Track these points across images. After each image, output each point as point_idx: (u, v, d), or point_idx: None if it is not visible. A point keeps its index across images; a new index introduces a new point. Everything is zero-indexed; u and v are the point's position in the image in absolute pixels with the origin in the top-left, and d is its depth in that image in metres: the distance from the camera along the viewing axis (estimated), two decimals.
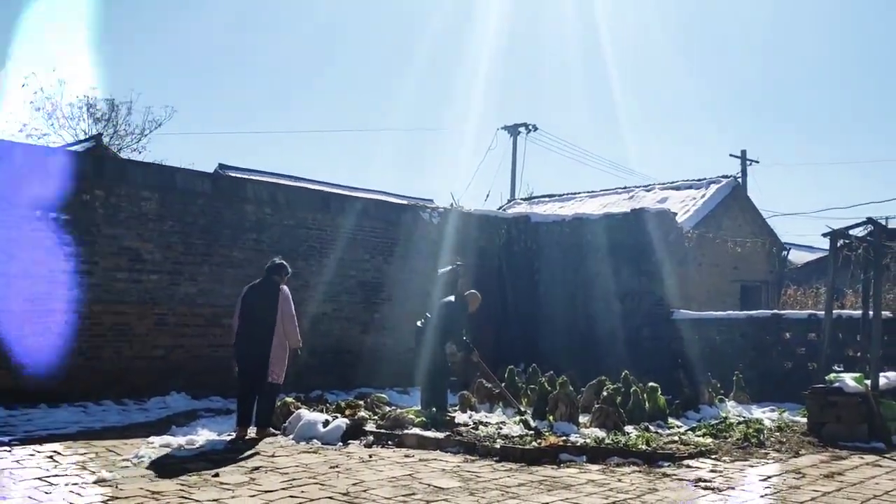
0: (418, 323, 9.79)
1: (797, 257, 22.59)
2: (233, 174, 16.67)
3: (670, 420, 9.26)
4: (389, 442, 7.69)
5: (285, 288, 8.12)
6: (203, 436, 7.74)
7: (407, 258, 13.54)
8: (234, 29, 59.68)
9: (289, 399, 8.83)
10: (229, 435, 7.96)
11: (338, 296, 12.56)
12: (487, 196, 30.00)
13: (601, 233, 14.77)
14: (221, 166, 19.30)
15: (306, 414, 8.23)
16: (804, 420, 9.28)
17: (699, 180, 18.96)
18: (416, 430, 7.86)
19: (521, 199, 24.74)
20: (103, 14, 55.24)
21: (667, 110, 69.77)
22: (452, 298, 9.81)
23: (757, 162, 26.19)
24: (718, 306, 15.45)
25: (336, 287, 12.52)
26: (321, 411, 8.78)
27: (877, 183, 60.27)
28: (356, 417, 8.38)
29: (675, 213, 15.26)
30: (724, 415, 9.71)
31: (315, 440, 7.69)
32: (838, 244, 9.28)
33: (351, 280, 12.70)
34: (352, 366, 12.42)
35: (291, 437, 7.90)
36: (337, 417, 8.26)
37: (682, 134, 64.46)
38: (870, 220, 8.80)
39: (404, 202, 13.88)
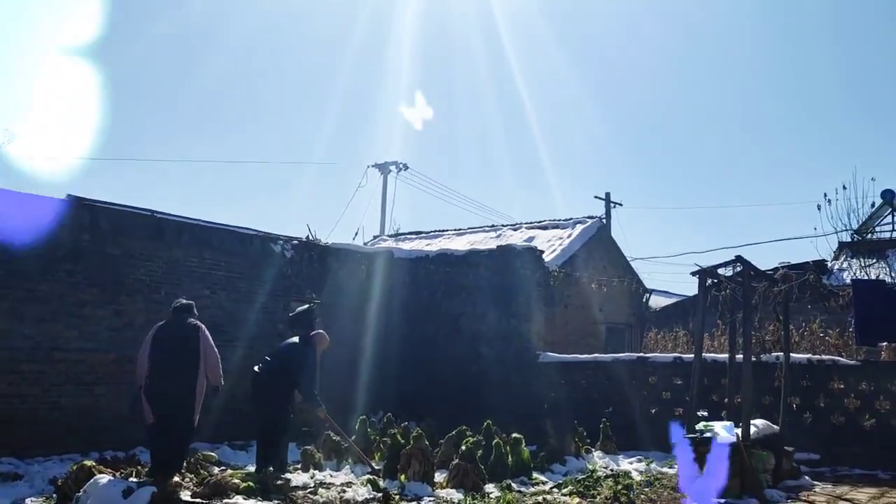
0: (255, 368, 8.55)
1: (655, 302, 22.83)
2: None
3: (535, 475, 8.48)
4: None
5: (202, 325, 7.69)
6: None
7: (255, 294, 12.21)
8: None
9: (88, 462, 7.30)
10: None
11: None
12: (356, 233, 29.03)
13: (467, 270, 14.04)
14: (70, 197, 17.14)
15: (105, 480, 6.76)
16: (673, 471, 8.74)
17: (566, 220, 18.70)
18: (240, 500, 6.59)
19: (388, 235, 23.83)
20: None
21: (534, 153, 71.67)
22: (297, 339, 8.66)
23: (620, 204, 26.43)
24: (584, 349, 15.00)
25: None
26: (131, 475, 7.36)
27: (732, 229, 64.09)
28: (169, 483, 6.99)
29: (542, 252, 14.75)
30: (591, 467, 9.03)
31: None
32: (707, 283, 8.85)
33: None
34: None
35: None
36: (144, 484, 6.85)
37: (550, 176, 66.34)
38: (739, 259, 8.41)
39: (252, 232, 12.50)
